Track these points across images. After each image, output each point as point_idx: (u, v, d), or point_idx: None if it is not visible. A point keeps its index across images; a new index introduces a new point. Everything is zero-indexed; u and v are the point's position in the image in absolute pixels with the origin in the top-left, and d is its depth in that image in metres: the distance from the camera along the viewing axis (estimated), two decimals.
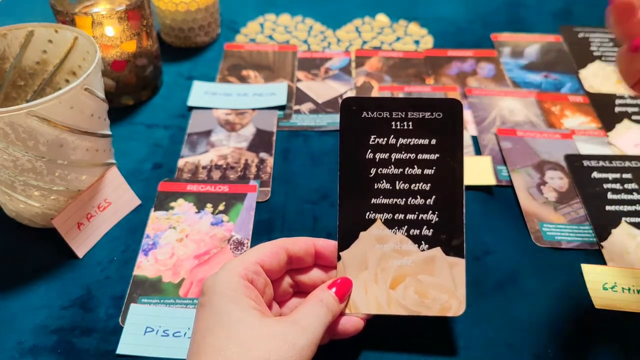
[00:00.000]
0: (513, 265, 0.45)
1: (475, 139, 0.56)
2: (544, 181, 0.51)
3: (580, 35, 0.72)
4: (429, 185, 0.37)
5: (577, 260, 0.45)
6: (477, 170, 0.52)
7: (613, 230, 0.47)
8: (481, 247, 0.46)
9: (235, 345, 0.30)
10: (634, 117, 0.59)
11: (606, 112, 0.60)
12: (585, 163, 0.53)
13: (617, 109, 0.60)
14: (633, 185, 0.50)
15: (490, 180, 0.51)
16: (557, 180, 0.51)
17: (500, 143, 0.55)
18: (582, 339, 0.40)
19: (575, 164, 0.53)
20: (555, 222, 0.48)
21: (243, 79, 0.64)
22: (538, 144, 0.55)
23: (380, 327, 0.39)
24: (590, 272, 0.44)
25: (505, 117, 0.59)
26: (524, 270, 0.44)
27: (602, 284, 0.43)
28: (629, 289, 0.42)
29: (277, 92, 0.61)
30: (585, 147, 0.55)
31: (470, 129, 0.57)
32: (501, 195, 0.51)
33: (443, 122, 0.37)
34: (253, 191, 0.50)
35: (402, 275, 0.37)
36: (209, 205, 0.49)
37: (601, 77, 0.65)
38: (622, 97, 0.61)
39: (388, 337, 0.39)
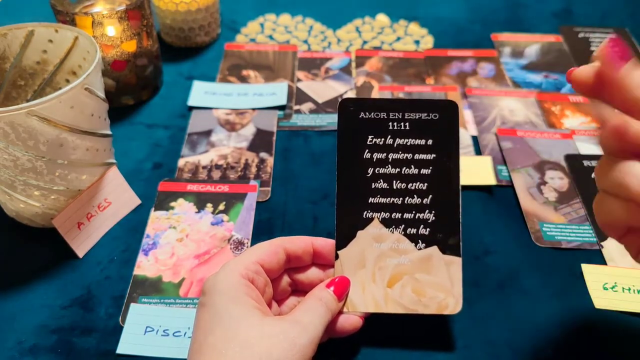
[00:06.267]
0: (513, 265, 0.45)
1: (475, 139, 0.56)
2: (544, 181, 0.51)
3: (580, 35, 0.72)
4: (425, 184, 0.37)
5: (577, 260, 0.45)
6: (477, 170, 0.52)
7: None
8: (481, 247, 0.46)
9: (237, 344, 0.30)
10: None
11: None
12: (585, 163, 0.53)
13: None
14: None
15: (491, 180, 0.51)
16: (558, 180, 0.51)
17: (500, 143, 0.55)
18: (582, 339, 0.40)
19: (576, 164, 0.53)
20: (555, 222, 0.48)
21: (243, 79, 0.64)
22: (538, 144, 0.55)
23: (380, 325, 0.39)
24: (590, 272, 0.44)
25: (505, 117, 0.59)
26: (524, 270, 0.44)
27: (602, 284, 0.43)
28: (629, 289, 0.42)
29: (277, 92, 0.61)
30: (586, 147, 0.55)
31: (470, 129, 0.57)
32: (501, 195, 0.51)
33: (439, 123, 0.37)
34: (253, 191, 0.50)
35: (399, 273, 0.37)
36: (209, 205, 0.49)
37: None
38: None
39: (388, 335, 0.39)
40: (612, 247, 0.46)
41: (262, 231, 0.47)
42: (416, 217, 0.37)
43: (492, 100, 0.61)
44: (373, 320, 0.38)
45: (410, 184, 0.37)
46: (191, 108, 0.60)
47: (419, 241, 0.37)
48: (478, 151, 0.55)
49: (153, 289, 0.42)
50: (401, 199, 0.37)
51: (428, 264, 0.37)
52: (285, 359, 0.30)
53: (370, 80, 0.64)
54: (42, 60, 0.47)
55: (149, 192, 0.50)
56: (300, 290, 0.38)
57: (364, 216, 0.37)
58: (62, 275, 0.44)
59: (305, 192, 0.51)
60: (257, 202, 0.49)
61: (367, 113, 0.38)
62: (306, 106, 0.61)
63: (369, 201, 0.37)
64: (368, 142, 0.37)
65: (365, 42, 0.71)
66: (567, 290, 0.43)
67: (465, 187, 0.50)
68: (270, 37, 0.72)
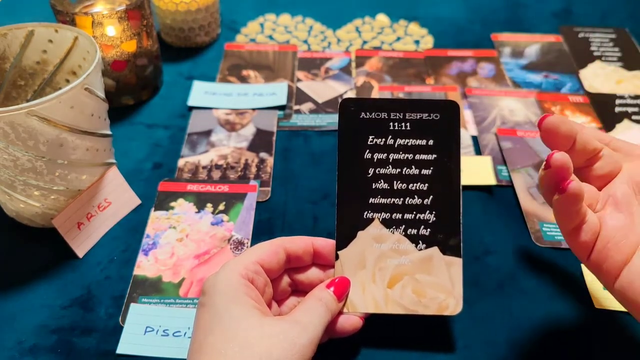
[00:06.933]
0: (513, 265, 0.45)
1: (475, 139, 0.56)
2: None
3: (580, 35, 0.72)
4: (426, 185, 0.37)
5: (577, 260, 0.45)
6: (477, 170, 0.52)
7: None
8: (481, 247, 0.46)
9: (236, 344, 0.30)
10: (634, 117, 0.59)
11: (606, 112, 0.60)
12: None
13: (617, 109, 0.60)
14: None
15: (491, 180, 0.51)
16: None
17: (500, 143, 0.55)
18: (582, 339, 0.40)
19: None
20: (555, 222, 0.48)
21: (243, 79, 0.64)
22: (538, 144, 0.55)
23: (380, 325, 0.39)
24: (591, 272, 0.43)
25: (505, 117, 0.59)
26: (524, 270, 0.44)
27: (602, 284, 0.43)
28: None
29: (277, 92, 0.61)
30: None
31: (470, 129, 0.57)
32: (501, 195, 0.51)
33: (440, 123, 0.37)
34: (253, 191, 0.50)
35: (399, 274, 0.37)
36: (209, 205, 0.49)
37: (601, 77, 0.65)
38: (622, 97, 0.61)
39: (388, 336, 0.39)
40: None
41: (262, 231, 0.47)
42: (417, 217, 0.37)
43: (492, 100, 0.61)
44: (373, 321, 0.38)
45: (410, 185, 0.37)
46: (191, 108, 0.60)
47: (420, 242, 0.37)
48: (478, 151, 0.55)
49: (153, 289, 0.42)
50: (402, 199, 0.37)
51: (428, 264, 0.37)
52: (285, 359, 0.30)
53: (370, 80, 0.64)
54: (42, 60, 0.47)
55: (149, 192, 0.50)
56: (300, 290, 0.38)
57: (364, 216, 0.37)
58: (62, 275, 0.44)
59: (305, 192, 0.51)
60: (257, 202, 0.49)
61: (367, 113, 0.38)
62: (306, 106, 0.61)
63: (370, 201, 0.37)
64: (369, 142, 0.37)
65: (365, 42, 0.71)
66: (567, 290, 0.43)
67: (465, 187, 0.50)
68: (270, 37, 0.72)
